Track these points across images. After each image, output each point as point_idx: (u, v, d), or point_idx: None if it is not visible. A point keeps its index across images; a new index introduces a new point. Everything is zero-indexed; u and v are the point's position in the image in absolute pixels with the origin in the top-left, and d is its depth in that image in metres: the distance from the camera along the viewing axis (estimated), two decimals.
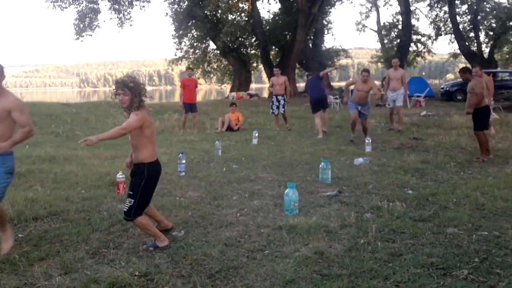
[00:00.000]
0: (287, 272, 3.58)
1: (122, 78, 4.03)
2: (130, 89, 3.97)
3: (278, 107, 12.62)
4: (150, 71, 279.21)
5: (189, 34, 31.40)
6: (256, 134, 10.45)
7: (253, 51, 31.64)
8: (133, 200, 4.04)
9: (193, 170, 7.37)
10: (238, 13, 29.09)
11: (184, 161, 7.25)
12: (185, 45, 31.95)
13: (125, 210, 4.05)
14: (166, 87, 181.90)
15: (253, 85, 36.06)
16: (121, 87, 3.97)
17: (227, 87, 36.95)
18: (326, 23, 33.91)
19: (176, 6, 29.44)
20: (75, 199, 5.74)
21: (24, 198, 5.67)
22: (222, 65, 33.49)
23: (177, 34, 30.78)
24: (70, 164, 8.01)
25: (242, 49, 30.14)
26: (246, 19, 28.75)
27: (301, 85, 36.64)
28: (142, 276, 3.59)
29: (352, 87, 10.79)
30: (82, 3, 27.14)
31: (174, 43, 31.49)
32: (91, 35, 28.02)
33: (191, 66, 27.11)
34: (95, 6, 27.44)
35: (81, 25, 27.35)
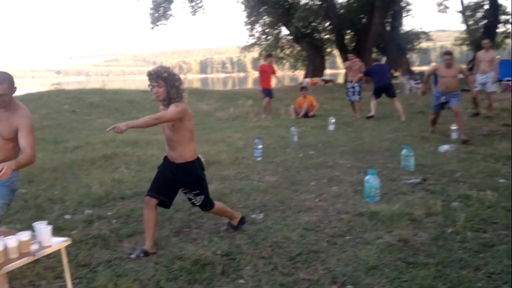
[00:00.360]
0: (370, 258, 3.52)
1: (155, 69, 3.74)
2: (165, 80, 3.67)
3: (354, 94, 12.36)
4: (223, 59, 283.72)
5: (260, 20, 31.39)
6: (333, 120, 10.30)
7: (327, 36, 31.08)
8: (203, 196, 3.97)
9: (269, 156, 7.42)
10: None
11: (260, 146, 7.31)
12: (257, 32, 32.02)
13: (200, 205, 4.00)
14: (238, 74, 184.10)
15: (327, 71, 35.47)
16: (155, 79, 3.68)
17: (300, 74, 36.70)
18: (404, 4, 32.53)
19: None
20: None
21: (111, 179, 5.99)
22: (295, 51, 33.22)
23: (248, 21, 30.90)
24: (152, 148, 8.34)
25: (315, 34, 29.72)
26: (319, 3, 28.21)
27: None
28: (224, 255, 3.68)
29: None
30: None
31: (246, 29, 31.68)
32: (165, 24, 28.78)
33: (263, 52, 27.23)
34: None
35: (156, 15, 28.17)
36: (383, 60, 27.69)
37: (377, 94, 11.68)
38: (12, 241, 2.36)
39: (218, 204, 4.12)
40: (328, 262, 3.52)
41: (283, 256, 3.64)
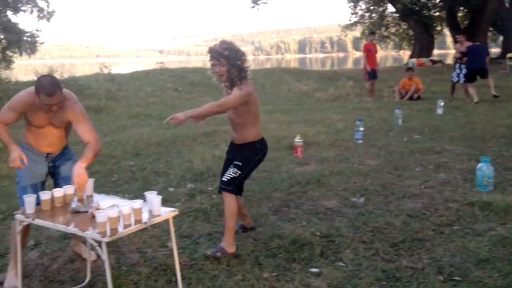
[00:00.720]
0: (480, 250, 3.29)
1: (217, 46, 3.35)
2: (227, 58, 3.28)
3: (458, 75, 11.51)
4: (322, 38, 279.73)
5: None
6: (442, 103, 9.67)
7: (437, 13, 29.17)
8: (239, 172, 3.43)
9: (371, 138, 7.17)
10: None
11: (361, 129, 7.08)
12: (360, 9, 30.93)
13: (226, 179, 3.44)
14: (338, 54, 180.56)
15: (435, 51, 33.43)
16: (216, 57, 3.30)
17: (405, 53, 35.01)
18: None
19: None
20: None
21: (212, 155, 6.17)
22: (401, 30, 31.65)
23: None
24: None
25: (424, 11, 28.00)
26: None
27: (493, 50, 32.70)
28: (323, 236, 3.64)
29: None
30: None
31: (349, 7, 30.71)
32: (266, 3, 28.76)
33: (366, 31, 26.21)
34: None
35: None
36: (500, 39, 25.43)
37: (470, 78, 10.89)
38: (126, 208, 2.49)
39: (234, 202, 3.44)
40: (434, 251, 3.34)
41: (385, 242, 3.51)
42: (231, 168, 3.47)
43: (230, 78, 3.33)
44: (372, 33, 13.38)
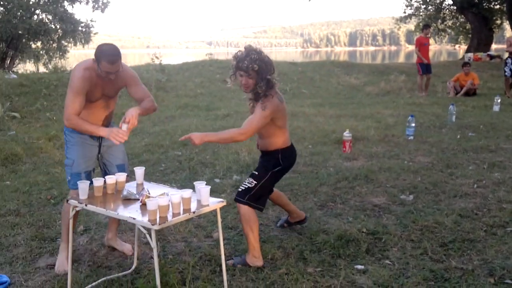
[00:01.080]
0: None
1: (244, 56, 3.05)
2: (256, 72, 3.03)
3: (511, 70, 10.98)
4: (374, 31, 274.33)
5: None
6: (499, 100, 9.27)
7: (497, 6, 27.84)
8: (255, 183, 3.19)
9: (423, 135, 6.97)
10: None
11: (413, 125, 6.89)
12: (415, 1, 29.94)
13: (240, 189, 3.22)
14: (390, 47, 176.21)
15: (493, 46, 32.01)
16: (244, 69, 3.03)
17: (461, 48, 33.71)
18: None
19: None
20: (303, 153, 6.00)
21: None
22: (458, 23, 30.45)
23: None
24: (298, 120, 8.40)
25: (484, 4, 26.80)
26: None
27: None
28: (369, 233, 3.58)
29: None
30: None
31: None
32: None
33: (421, 24, 25.33)
34: None
35: None
36: None
37: None
38: (176, 197, 2.53)
39: (251, 214, 3.15)
40: (485, 252, 3.24)
41: (434, 241, 3.42)
42: (248, 177, 3.28)
43: (255, 92, 3.11)
44: (426, 25, 12.95)
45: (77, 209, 2.80)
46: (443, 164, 5.41)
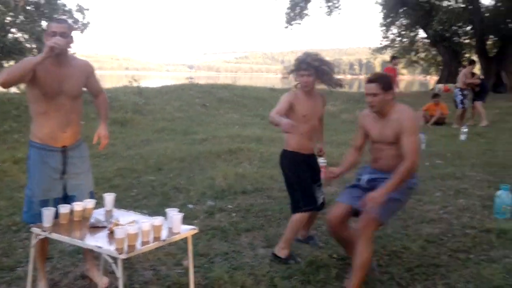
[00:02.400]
0: (494, 277, 3.28)
1: (305, 56, 3.63)
2: (316, 68, 3.59)
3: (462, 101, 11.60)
4: (351, 60, 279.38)
5: (397, 22, 30.24)
6: (465, 130, 9.60)
7: (467, 41, 28.95)
8: (291, 192, 3.78)
9: None
10: (455, 0, 26.79)
11: None
12: (391, 34, 30.89)
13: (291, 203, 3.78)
14: (366, 76, 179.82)
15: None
16: (305, 67, 3.58)
17: (432, 79, 34.73)
18: None
19: None
20: (279, 178, 6.02)
21: (235, 173, 6.19)
22: (430, 55, 31.47)
23: (385, 22, 29.92)
24: (275, 146, 8.45)
25: (455, 38, 27.82)
26: (463, 5, 26.30)
27: None
28: (340, 259, 3.64)
29: None
30: None
31: (381, 31, 30.68)
32: (299, 23, 28.94)
33: (396, 55, 26.11)
34: None
35: (292, 14, 28.42)
36: None
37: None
38: (146, 225, 2.49)
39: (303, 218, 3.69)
40: (449, 277, 3.34)
41: (401, 267, 3.51)
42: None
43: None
44: (394, 57, 13.49)
45: (40, 237, 2.71)
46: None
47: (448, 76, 26.81)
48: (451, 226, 4.38)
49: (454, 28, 26.69)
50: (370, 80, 3.15)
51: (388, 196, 2.99)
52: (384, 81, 3.14)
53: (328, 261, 3.57)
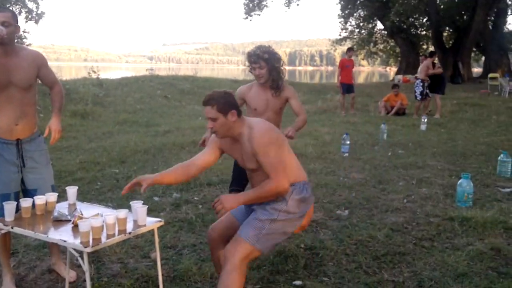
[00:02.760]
0: (459, 265, 3.35)
1: (255, 50, 3.60)
2: (266, 61, 3.55)
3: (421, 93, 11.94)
4: (312, 51, 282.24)
5: (355, 14, 30.71)
6: (425, 120, 9.85)
7: (423, 32, 29.73)
8: None
9: (357, 152, 7.25)
10: None
11: (348, 142, 7.17)
12: (350, 25, 31.34)
13: None
14: (327, 67, 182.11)
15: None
16: (256, 60, 3.55)
17: (392, 70, 35.53)
18: (510, 2, 30.16)
19: None
20: None
21: None
22: (389, 47, 32.17)
23: (343, 14, 30.33)
24: None
25: (412, 30, 28.54)
26: None
27: (475, 70, 33.40)
28: (307, 249, 3.66)
29: None
30: None
31: (340, 23, 31.11)
32: (259, 15, 28.98)
33: (354, 47, 26.55)
34: None
35: (251, 5, 28.41)
36: (482, 59, 25.97)
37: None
38: (111, 217, 2.45)
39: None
40: (415, 265, 3.40)
41: (368, 255, 3.55)
42: None
43: (271, 79, 3.60)
44: (350, 49, 13.81)
45: (3, 231, 2.65)
46: (376, 180, 5.65)
47: (406, 67, 27.56)
48: (415, 214, 4.48)
49: (411, 20, 27.35)
50: (204, 102, 2.61)
51: (255, 214, 2.58)
52: (220, 101, 2.57)
53: (296, 251, 3.58)
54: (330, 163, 6.57)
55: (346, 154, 7.04)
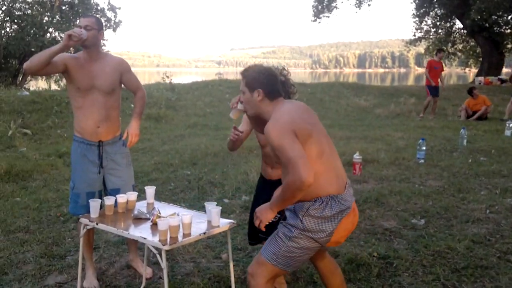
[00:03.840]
0: None
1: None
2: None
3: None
4: (383, 53, 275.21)
5: (431, 13, 29.41)
6: (510, 125, 9.21)
7: (508, 30, 27.88)
8: None
9: (434, 158, 6.92)
10: None
11: (424, 148, 6.86)
12: (425, 25, 30.05)
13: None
14: (399, 69, 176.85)
15: (504, 69, 31.94)
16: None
17: (471, 71, 33.75)
18: None
19: None
20: None
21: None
22: (469, 46, 30.50)
23: (418, 13, 29.13)
24: None
25: (495, 28, 26.87)
26: None
27: None
28: (380, 258, 3.54)
29: None
30: None
31: (414, 22, 29.90)
32: (328, 17, 28.53)
33: (431, 47, 25.43)
34: None
35: (320, 7, 28.03)
36: None
37: None
38: (187, 217, 2.52)
39: None
40: (499, 280, 3.18)
41: (446, 267, 3.37)
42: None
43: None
44: (440, 50, 13.02)
45: (88, 227, 2.80)
46: (455, 189, 5.35)
47: (488, 68, 25.92)
48: (499, 226, 4.19)
49: (494, 17, 25.73)
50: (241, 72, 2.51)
51: (277, 231, 2.39)
52: (249, 76, 2.45)
53: (368, 259, 3.47)
54: (404, 169, 6.32)
55: (422, 161, 6.74)
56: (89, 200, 2.84)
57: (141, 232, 2.56)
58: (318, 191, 2.26)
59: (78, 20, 21.21)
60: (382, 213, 4.58)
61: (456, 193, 5.19)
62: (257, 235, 3.00)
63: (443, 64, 12.84)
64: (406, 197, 5.05)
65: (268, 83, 2.41)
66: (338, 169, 2.41)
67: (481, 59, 28.45)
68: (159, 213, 2.69)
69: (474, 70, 30.76)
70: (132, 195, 2.98)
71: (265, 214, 2.30)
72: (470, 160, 6.80)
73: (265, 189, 2.97)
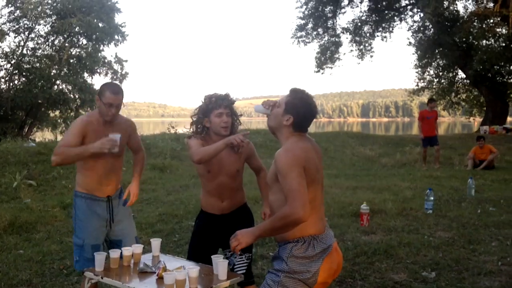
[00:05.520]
0: None
1: (227, 95, 3.14)
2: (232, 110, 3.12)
3: None
4: (386, 102, 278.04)
5: (433, 63, 29.91)
6: None
7: (511, 80, 28.19)
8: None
9: (442, 209, 6.84)
10: (494, 39, 26.32)
11: (432, 198, 6.79)
12: (428, 75, 30.51)
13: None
14: (403, 118, 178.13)
15: (509, 118, 32.07)
16: (228, 105, 3.10)
17: (476, 120, 33.88)
18: None
19: (420, 34, 28.43)
20: None
21: None
22: (472, 96, 30.79)
23: (420, 64, 29.63)
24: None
25: (498, 78, 27.21)
26: (504, 44, 25.80)
27: None
28: None
29: None
30: (325, 38, 28.42)
31: (416, 72, 30.39)
32: (331, 68, 29.06)
33: (434, 97, 25.70)
34: (336, 39, 28.39)
35: (323, 58, 28.59)
36: None
37: None
38: (194, 271, 2.48)
39: None
40: None
41: None
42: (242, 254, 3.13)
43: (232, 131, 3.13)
44: (431, 100, 13.23)
45: (93, 281, 2.76)
46: (465, 240, 5.25)
47: (493, 117, 26.01)
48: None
49: (496, 67, 26.11)
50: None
51: (266, 277, 2.39)
52: (291, 98, 2.45)
53: None
54: (412, 220, 6.24)
55: (430, 211, 6.65)
56: (94, 253, 2.82)
57: (146, 286, 2.52)
58: (302, 231, 2.29)
59: (85, 74, 21.59)
60: (392, 265, 4.48)
61: (467, 245, 5.09)
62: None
63: (437, 113, 12.94)
64: (416, 248, 4.95)
65: (303, 116, 2.45)
66: (322, 211, 2.46)
67: (485, 108, 28.61)
68: (165, 266, 2.64)
69: (479, 119, 30.88)
70: (138, 248, 2.95)
71: (246, 238, 2.28)
72: (479, 211, 6.71)
73: (217, 226, 3.16)
